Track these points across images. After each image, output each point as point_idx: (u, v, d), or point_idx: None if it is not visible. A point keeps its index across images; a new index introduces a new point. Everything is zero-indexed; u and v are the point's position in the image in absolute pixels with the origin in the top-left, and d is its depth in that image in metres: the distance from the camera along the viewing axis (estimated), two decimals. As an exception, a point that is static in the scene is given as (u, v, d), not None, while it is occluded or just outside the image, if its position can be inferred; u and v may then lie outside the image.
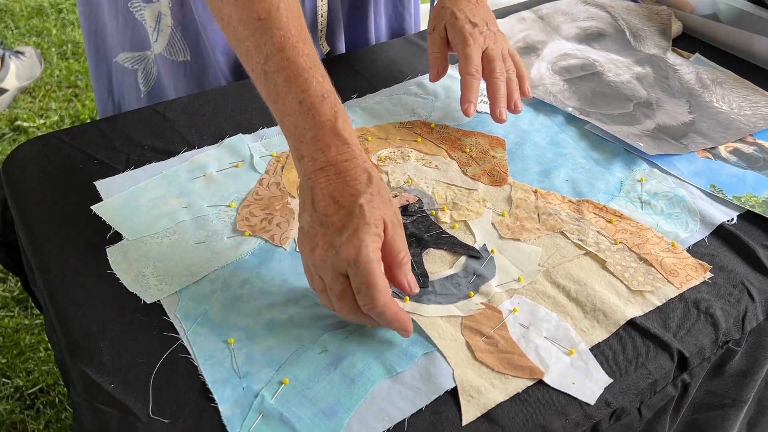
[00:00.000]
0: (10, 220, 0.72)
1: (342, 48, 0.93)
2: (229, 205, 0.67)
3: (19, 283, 1.54)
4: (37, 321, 1.48)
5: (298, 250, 0.55)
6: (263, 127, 0.77)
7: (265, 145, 0.74)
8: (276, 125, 0.77)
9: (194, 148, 0.73)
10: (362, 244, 0.50)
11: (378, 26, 0.97)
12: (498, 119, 0.74)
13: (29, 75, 2.13)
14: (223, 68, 0.86)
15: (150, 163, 0.71)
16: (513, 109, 0.75)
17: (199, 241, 0.63)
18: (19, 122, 1.98)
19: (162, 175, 0.70)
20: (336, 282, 0.52)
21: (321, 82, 0.55)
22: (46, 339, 1.44)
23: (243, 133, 0.75)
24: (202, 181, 0.69)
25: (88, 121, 2.02)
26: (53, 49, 2.30)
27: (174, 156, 0.72)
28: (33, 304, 1.49)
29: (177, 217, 0.65)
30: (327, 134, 0.54)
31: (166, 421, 0.49)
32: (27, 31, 2.39)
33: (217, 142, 0.74)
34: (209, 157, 0.72)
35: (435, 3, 0.82)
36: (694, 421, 0.68)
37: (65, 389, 1.35)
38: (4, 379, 1.36)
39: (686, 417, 0.67)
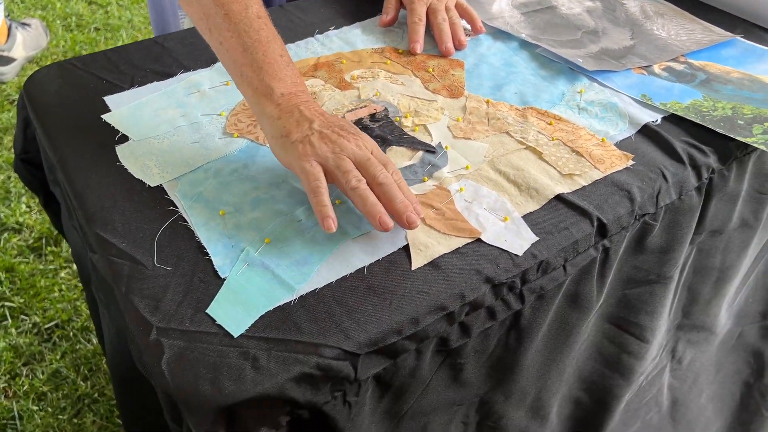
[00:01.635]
0: (31, 137, 0.83)
1: None
2: (220, 114, 0.77)
3: (33, 233, 1.65)
4: (51, 266, 1.59)
5: (300, 156, 0.63)
6: (250, 54, 0.87)
7: (252, 68, 0.84)
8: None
9: (190, 71, 0.84)
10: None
11: None
12: (445, 53, 0.89)
13: (35, 45, 2.23)
14: None
15: (152, 82, 0.82)
16: (458, 45, 0.90)
17: (195, 141, 0.74)
18: (28, 88, 2.08)
19: (162, 92, 0.80)
20: (362, 150, 0.63)
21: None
22: (60, 282, 1.55)
23: (232, 59, 0.86)
24: (197, 96, 0.80)
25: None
26: (58, 21, 2.40)
27: (172, 77, 0.83)
28: (47, 245, 1.60)
29: (175, 123, 0.76)
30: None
31: (169, 268, 0.60)
32: (32, 5, 2.49)
33: (209, 66, 0.85)
34: (203, 77, 0.83)
35: None
36: (624, 296, 0.78)
37: (80, 324, 1.47)
38: (22, 316, 1.47)
39: (617, 293, 0.77)
